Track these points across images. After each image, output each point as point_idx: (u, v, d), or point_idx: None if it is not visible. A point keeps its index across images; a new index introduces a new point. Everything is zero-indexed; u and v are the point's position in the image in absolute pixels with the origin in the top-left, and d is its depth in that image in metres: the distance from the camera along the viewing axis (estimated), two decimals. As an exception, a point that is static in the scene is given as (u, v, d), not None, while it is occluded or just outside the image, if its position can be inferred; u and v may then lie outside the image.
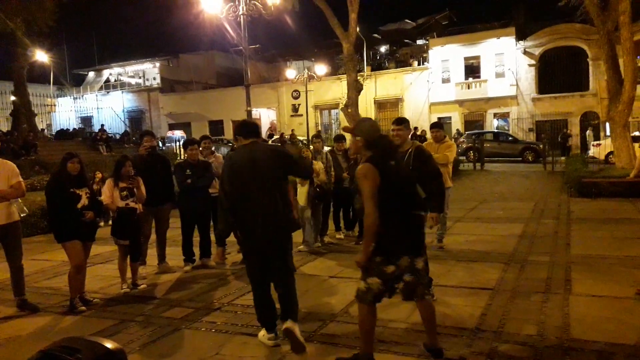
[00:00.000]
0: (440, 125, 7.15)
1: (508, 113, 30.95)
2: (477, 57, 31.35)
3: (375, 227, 3.21)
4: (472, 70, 31.78)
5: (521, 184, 14.97)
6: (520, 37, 30.04)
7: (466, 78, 31.75)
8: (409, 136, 5.03)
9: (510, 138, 25.44)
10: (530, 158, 23.07)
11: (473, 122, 31.60)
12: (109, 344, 2.64)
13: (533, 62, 29.97)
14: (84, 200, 4.98)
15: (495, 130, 28.56)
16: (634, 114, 16.14)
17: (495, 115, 31.38)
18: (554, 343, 3.72)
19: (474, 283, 5.28)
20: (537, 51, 29.88)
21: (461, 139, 24.80)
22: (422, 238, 3.55)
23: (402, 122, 5.00)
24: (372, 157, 3.33)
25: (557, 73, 29.52)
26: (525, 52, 30.04)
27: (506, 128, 30.51)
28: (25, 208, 5.30)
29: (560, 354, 3.55)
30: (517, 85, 30.32)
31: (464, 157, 21.83)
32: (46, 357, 2.49)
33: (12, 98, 30.94)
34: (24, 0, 16.20)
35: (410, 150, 4.80)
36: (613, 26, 15.19)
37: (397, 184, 3.33)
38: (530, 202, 11.16)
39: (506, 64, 30.42)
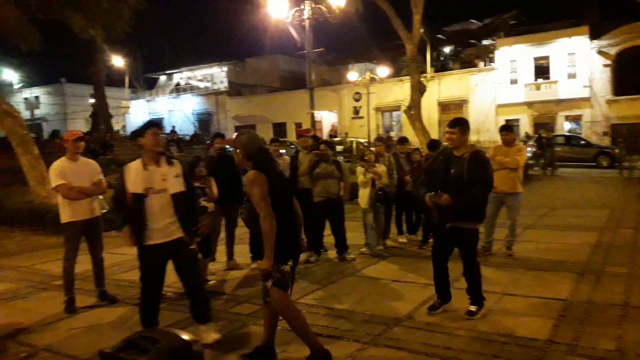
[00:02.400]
0: (510, 128, 6.93)
1: (580, 116, 29.48)
2: (547, 58, 30.10)
3: (274, 230, 3.29)
4: (542, 70, 30.53)
5: (595, 191, 14.21)
6: (595, 36, 28.55)
7: (535, 79, 30.57)
8: (466, 140, 4.48)
9: (582, 142, 24.20)
10: (604, 163, 21.84)
11: (543, 125, 30.31)
12: (185, 336, 2.79)
13: (608, 62, 28.39)
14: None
15: (567, 134, 27.26)
16: None
17: (566, 117, 29.98)
18: (634, 360, 3.53)
19: (545, 293, 5.08)
20: (613, 50, 28.27)
21: (530, 143, 23.84)
22: (301, 242, 3.65)
23: (456, 124, 4.47)
24: (256, 165, 3.44)
25: (635, 73, 27.76)
26: (599, 52, 28.51)
27: (578, 131, 29.06)
28: (105, 204, 5.63)
29: (641, 372, 3.36)
30: (590, 86, 28.81)
31: (534, 162, 20.97)
32: (129, 345, 2.67)
33: (91, 100, 33.00)
34: (103, 8, 17.20)
35: (465, 155, 4.37)
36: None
37: (281, 191, 3.44)
38: (606, 209, 10.57)
39: (578, 64, 29.00)
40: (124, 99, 41.42)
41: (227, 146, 6.65)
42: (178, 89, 46.91)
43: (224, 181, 6.14)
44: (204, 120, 43.74)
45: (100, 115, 30.30)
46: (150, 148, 3.96)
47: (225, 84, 43.46)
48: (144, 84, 48.13)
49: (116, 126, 37.19)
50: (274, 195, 3.36)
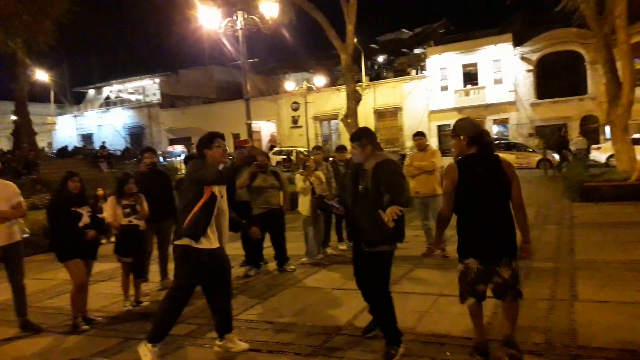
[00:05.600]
0: (422, 134, 7.26)
1: (507, 119, 31.02)
2: (475, 64, 31.50)
3: (444, 220, 3.65)
4: (471, 77, 31.91)
5: (522, 190, 14.89)
6: (518, 43, 30.21)
7: (464, 85, 31.88)
8: (371, 151, 3.88)
9: (529, 149, 24.21)
10: (544, 168, 21.03)
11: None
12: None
13: (531, 67, 30.09)
14: (86, 219, 4.98)
15: (511, 140, 27.53)
16: (633, 117, 16.08)
17: (494, 121, 31.43)
18: (562, 351, 3.69)
19: (478, 291, 5.23)
20: (535, 56, 30.01)
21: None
22: (502, 247, 3.56)
23: (357, 137, 3.87)
24: (463, 158, 3.59)
25: (555, 78, 29.59)
26: (522, 58, 30.19)
27: (506, 134, 30.54)
28: (26, 229, 5.30)
29: (568, 362, 3.51)
30: (515, 91, 30.41)
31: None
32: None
33: (13, 117, 31.14)
34: (23, 20, 16.35)
35: (371, 166, 3.79)
36: (610, 30, 15.19)
37: (474, 189, 3.50)
38: (533, 207, 11.09)
39: (504, 70, 30.55)
40: (50, 114, 39.39)
41: (162, 159, 6.41)
42: (108, 103, 45.18)
43: (156, 197, 5.94)
44: (136, 134, 42.31)
45: (23, 132, 28.56)
46: (217, 160, 3.98)
47: (158, 96, 42.29)
48: (72, 98, 46.02)
49: (41, 143, 35.23)
50: (463, 190, 3.50)
